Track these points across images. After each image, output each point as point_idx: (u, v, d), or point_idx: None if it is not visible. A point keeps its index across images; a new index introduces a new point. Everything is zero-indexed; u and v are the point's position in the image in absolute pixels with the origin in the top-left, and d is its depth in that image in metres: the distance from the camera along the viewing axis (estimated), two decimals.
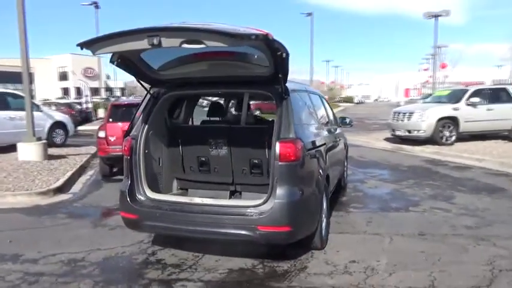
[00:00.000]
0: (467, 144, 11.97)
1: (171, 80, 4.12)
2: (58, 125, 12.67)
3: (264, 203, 3.52)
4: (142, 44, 2.99)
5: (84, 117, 22.43)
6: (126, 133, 4.47)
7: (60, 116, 13.06)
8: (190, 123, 5.15)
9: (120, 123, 8.02)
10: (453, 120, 11.95)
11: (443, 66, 39.23)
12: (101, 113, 28.46)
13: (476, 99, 12.08)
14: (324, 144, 4.49)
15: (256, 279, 3.61)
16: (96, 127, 21.95)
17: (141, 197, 3.91)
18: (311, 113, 4.58)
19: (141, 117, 4.14)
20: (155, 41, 2.92)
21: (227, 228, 3.52)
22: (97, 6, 30.06)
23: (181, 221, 3.68)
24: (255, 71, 3.83)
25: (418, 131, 12.07)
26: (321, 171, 4.06)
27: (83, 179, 8.39)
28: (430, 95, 25.28)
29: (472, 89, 12.54)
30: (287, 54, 3.21)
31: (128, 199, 3.88)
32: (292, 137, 3.58)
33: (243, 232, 3.48)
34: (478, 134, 12.49)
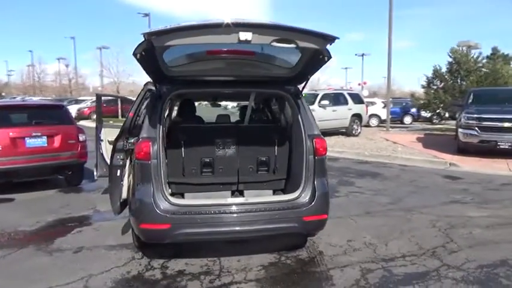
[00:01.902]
0: None
1: (181, 77, 3.85)
2: None
3: (299, 195, 3.75)
4: (229, 38, 2.84)
5: None
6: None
7: None
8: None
9: (4, 129, 6.52)
10: None
11: None
12: None
13: (325, 102, 14.42)
14: None
15: (295, 268, 3.81)
16: None
17: (165, 204, 3.53)
18: None
19: (151, 118, 3.68)
20: (248, 37, 2.83)
21: (277, 223, 3.60)
22: None
23: (225, 223, 3.54)
24: (274, 71, 3.99)
25: None
26: None
27: None
28: None
29: (321, 94, 14.89)
30: (329, 58, 3.52)
31: (156, 208, 3.47)
32: (318, 133, 3.94)
33: (292, 224, 3.63)
34: (326, 131, 14.89)
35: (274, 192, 4.49)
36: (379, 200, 6.42)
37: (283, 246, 4.25)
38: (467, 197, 6.56)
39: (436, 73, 18.98)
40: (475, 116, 10.38)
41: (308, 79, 3.97)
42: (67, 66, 54.77)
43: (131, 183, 4.07)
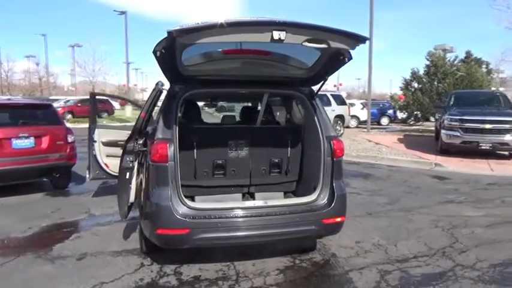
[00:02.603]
0: None
1: (196, 77, 3.73)
2: None
3: (318, 197, 3.71)
4: (262, 37, 2.76)
5: None
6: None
7: None
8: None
9: None
10: None
11: None
12: None
13: None
14: None
15: (313, 271, 3.77)
16: None
17: (183, 208, 3.40)
18: None
19: (165, 118, 3.53)
20: (281, 36, 2.75)
21: (297, 226, 3.53)
22: None
23: (246, 227, 3.45)
24: (290, 72, 3.93)
25: None
26: None
27: None
28: None
29: None
30: (349, 59, 3.49)
31: (174, 212, 3.33)
32: (334, 135, 3.90)
33: (311, 227, 3.58)
34: None
35: (285, 194, 4.43)
36: (377, 201, 6.47)
37: (294, 249, 4.20)
38: (460, 197, 6.72)
39: (414, 75, 19.49)
40: (458, 117, 10.68)
41: (326, 80, 3.93)
42: (37, 64, 52.67)
43: (140, 185, 3.93)
